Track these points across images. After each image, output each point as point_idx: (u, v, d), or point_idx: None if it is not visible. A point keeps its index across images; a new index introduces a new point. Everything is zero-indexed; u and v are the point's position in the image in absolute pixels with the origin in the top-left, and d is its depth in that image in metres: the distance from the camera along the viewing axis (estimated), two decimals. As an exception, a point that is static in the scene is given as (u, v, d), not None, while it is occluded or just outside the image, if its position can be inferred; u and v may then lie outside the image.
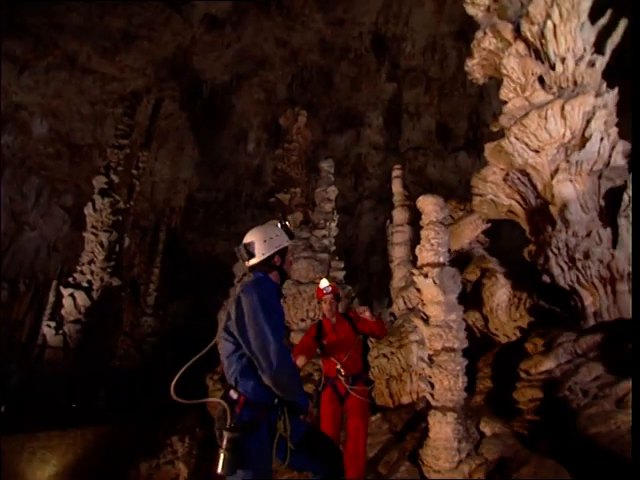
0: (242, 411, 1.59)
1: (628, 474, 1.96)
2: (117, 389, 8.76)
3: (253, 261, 1.82)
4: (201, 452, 5.19)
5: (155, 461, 5.51)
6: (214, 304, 13.43)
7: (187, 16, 14.59)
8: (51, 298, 10.24)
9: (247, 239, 1.88)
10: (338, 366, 2.75)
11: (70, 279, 9.56)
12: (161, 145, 15.63)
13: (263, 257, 1.80)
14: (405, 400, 4.15)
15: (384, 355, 4.46)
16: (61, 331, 9.07)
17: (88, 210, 10.09)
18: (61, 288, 9.55)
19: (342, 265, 8.30)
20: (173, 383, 1.68)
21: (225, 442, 1.52)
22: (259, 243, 1.83)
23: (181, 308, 13.10)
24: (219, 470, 1.52)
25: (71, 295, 9.19)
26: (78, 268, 9.67)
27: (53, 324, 9.16)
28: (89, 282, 9.35)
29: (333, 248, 8.43)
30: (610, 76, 4.42)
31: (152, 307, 11.80)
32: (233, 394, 1.64)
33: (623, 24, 3.99)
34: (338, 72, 16.07)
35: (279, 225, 1.97)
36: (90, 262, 9.51)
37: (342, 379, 2.72)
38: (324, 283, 2.97)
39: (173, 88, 15.76)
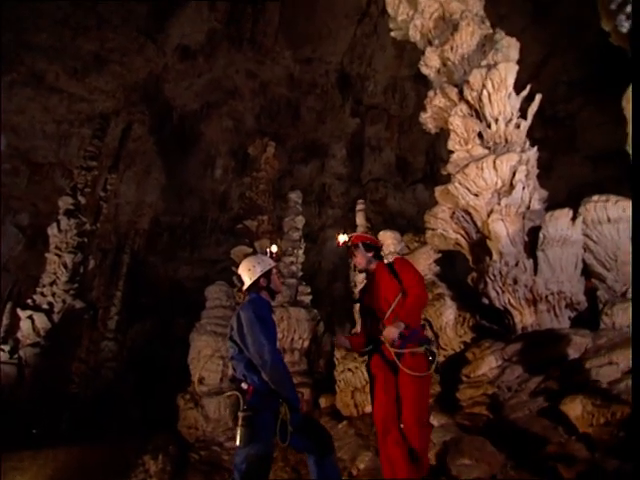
0: (252, 397, 2.10)
1: (534, 447, 2.62)
2: (79, 413, 8.51)
3: (245, 286, 2.36)
4: (175, 469, 5.33)
5: (127, 481, 5.54)
6: (176, 328, 13.34)
7: (161, 45, 15.05)
8: (5, 321, 9.83)
9: (239, 270, 2.45)
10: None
11: (29, 301, 9.30)
12: (128, 167, 15.61)
13: (250, 282, 2.33)
14: (368, 409, 4.66)
15: (349, 369, 4.99)
16: (16, 355, 8.75)
17: (52, 231, 9.96)
18: (18, 310, 9.25)
19: (309, 290, 8.84)
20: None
21: (240, 420, 2.01)
22: (245, 272, 2.36)
23: (141, 332, 12.90)
24: (237, 443, 2.01)
25: (29, 317, 8.94)
26: (38, 289, 9.43)
27: (7, 347, 8.82)
28: (50, 304, 9.16)
29: (300, 274, 8.97)
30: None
31: (113, 331, 11.55)
32: (244, 385, 2.16)
33: (538, 97, 5.04)
34: (305, 105, 16.93)
35: (266, 252, 2.58)
36: (52, 283, 9.34)
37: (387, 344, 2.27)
38: (340, 237, 2.71)
39: (143, 112, 15.92)
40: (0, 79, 11.49)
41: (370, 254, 2.63)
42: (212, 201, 17.28)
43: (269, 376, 2.06)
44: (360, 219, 7.96)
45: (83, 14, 13.31)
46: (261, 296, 2.35)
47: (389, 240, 4.20)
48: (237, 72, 16.15)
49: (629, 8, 1.89)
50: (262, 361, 2.06)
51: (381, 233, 4.27)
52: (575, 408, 2.61)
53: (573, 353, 3.30)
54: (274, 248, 2.93)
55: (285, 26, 15.20)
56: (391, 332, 2.20)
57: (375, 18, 14.29)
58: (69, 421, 8.20)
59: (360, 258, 2.64)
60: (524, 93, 5.19)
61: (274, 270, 2.41)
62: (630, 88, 2.22)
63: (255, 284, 2.35)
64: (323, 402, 5.78)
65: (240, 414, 2.03)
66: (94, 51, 14.26)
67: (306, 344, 7.25)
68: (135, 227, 15.13)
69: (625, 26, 1.95)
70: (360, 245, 2.63)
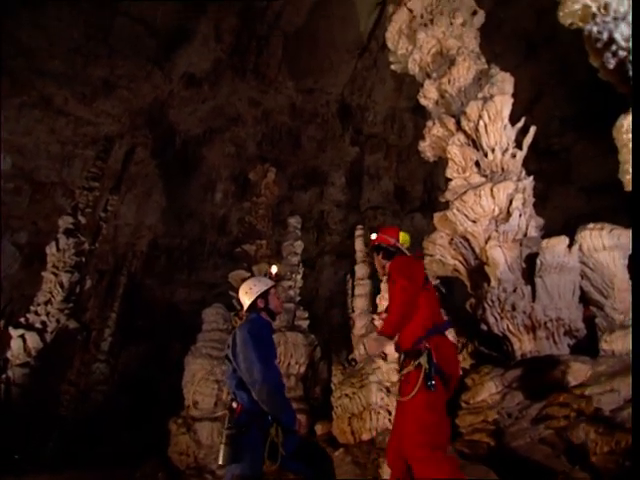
0: (239, 416, 2.08)
1: (538, 476, 2.57)
2: (65, 438, 8.21)
3: (245, 308, 2.40)
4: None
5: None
6: (171, 352, 13.09)
7: (168, 72, 15.54)
8: (-5, 340, 9.64)
9: (238, 293, 2.50)
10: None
11: (22, 319, 9.17)
12: (129, 190, 15.78)
13: (248, 303, 2.36)
14: (365, 437, 4.55)
15: (346, 395, 4.90)
16: (4, 375, 8.53)
17: (51, 249, 9.95)
18: (10, 329, 9.10)
19: (306, 315, 8.79)
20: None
21: (224, 438, 1.99)
22: (243, 294, 2.41)
23: (134, 355, 12.65)
24: (219, 461, 1.98)
25: (21, 336, 8.79)
26: (32, 308, 9.32)
27: (-5, 367, 8.62)
28: (43, 323, 9.02)
29: (298, 299, 8.95)
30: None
31: (105, 353, 11.33)
32: (233, 404, 2.14)
33: (533, 129, 5.23)
34: (306, 134, 17.33)
35: (266, 274, 2.65)
36: (47, 302, 9.25)
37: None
38: (373, 236, 2.55)
39: (146, 136, 16.25)
40: (0, 100, 11.72)
41: (381, 256, 2.40)
42: (211, 225, 17.38)
43: (258, 395, 2.03)
44: (358, 244, 8.01)
45: (95, 44, 13.82)
46: (261, 316, 2.36)
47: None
48: (240, 100, 16.61)
49: (614, 47, 2.02)
50: (251, 380, 2.05)
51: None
52: (578, 436, 2.57)
53: (573, 380, 3.28)
54: (274, 269, 2.98)
55: (288, 58, 15.77)
56: (370, 347, 2.39)
57: (375, 53, 14.88)
58: (56, 445, 7.91)
59: (377, 265, 2.44)
60: (519, 125, 5.38)
61: (272, 291, 2.42)
62: (619, 119, 2.33)
63: (253, 305, 2.38)
64: (319, 429, 5.63)
65: (224, 432, 2.00)
66: (103, 77, 14.69)
67: (303, 369, 7.13)
68: (133, 249, 15.13)
69: (612, 62, 2.07)
70: (374, 251, 2.44)
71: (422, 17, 6.38)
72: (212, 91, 16.15)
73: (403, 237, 2.48)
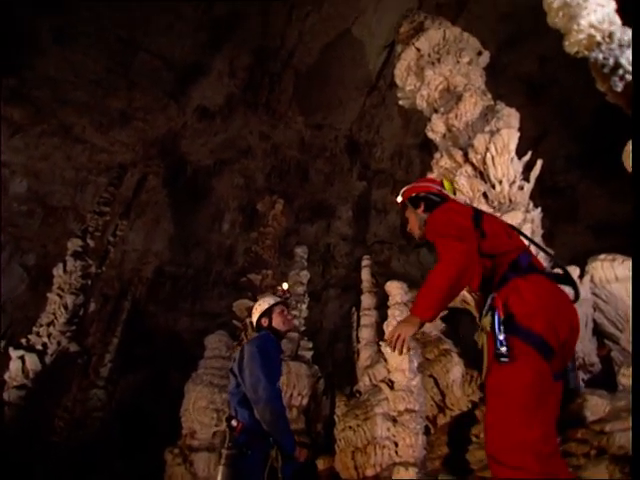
0: (239, 435, 1.99)
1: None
2: (56, 465, 7.87)
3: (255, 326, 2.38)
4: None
5: None
6: (170, 381, 12.78)
7: (183, 105, 16.18)
8: (-5, 361, 9.50)
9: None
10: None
11: (23, 340, 9.07)
12: (138, 216, 16.05)
13: (255, 322, 2.35)
14: (370, 472, 4.31)
15: (350, 427, 4.70)
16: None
17: (58, 271, 10.00)
18: (10, 350, 8.99)
19: (310, 345, 8.64)
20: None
21: (223, 459, 1.89)
22: (253, 314, 2.40)
23: (133, 383, 12.36)
24: None
25: (20, 358, 8.66)
26: (34, 329, 9.24)
27: (-8, 389, 8.43)
28: (44, 345, 8.91)
29: (303, 328, 8.83)
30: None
31: (104, 379, 11.08)
32: (234, 422, 2.05)
33: (539, 162, 5.31)
34: (314, 167, 17.72)
35: (275, 292, 2.65)
36: (49, 324, 9.17)
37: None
38: (398, 198, 2.05)
39: (158, 165, 16.71)
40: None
41: (422, 209, 1.80)
42: (218, 254, 17.47)
43: (261, 413, 1.94)
44: (365, 274, 7.98)
45: (116, 77, 14.54)
46: (269, 334, 2.33)
47: (396, 290, 4.20)
48: (251, 133, 17.16)
49: (621, 71, 2.10)
50: (256, 396, 1.97)
51: (388, 283, 4.29)
52: (601, 475, 2.42)
53: (591, 415, 3.13)
54: (285, 286, 2.95)
55: (299, 95, 16.41)
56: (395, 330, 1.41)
57: (383, 91, 15.46)
58: (44, 474, 7.56)
59: (412, 223, 1.86)
60: (526, 158, 5.49)
61: (276, 308, 2.37)
62: (627, 145, 2.38)
63: (258, 325, 2.35)
64: (321, 464, 5.35)
65: (224, 452, 1.91)
66: (121, 108, 15.32)
67: (305, 401, 6.89)
68: (139, 274, 15.17)
69: (619, 86, 2.14)
70: (408, 204, 1.89)
71: (429, 56, 6.68)
72: (224, 124, 16.72)
73: (447, 185, 1.92)
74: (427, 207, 1.80)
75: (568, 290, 1.50)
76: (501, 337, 1.30)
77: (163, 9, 12.81)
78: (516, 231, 1.69)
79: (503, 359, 1.28)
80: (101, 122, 15.23)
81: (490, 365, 1.36)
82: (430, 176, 6.50)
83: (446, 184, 1.92)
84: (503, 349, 1.28)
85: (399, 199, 1.97)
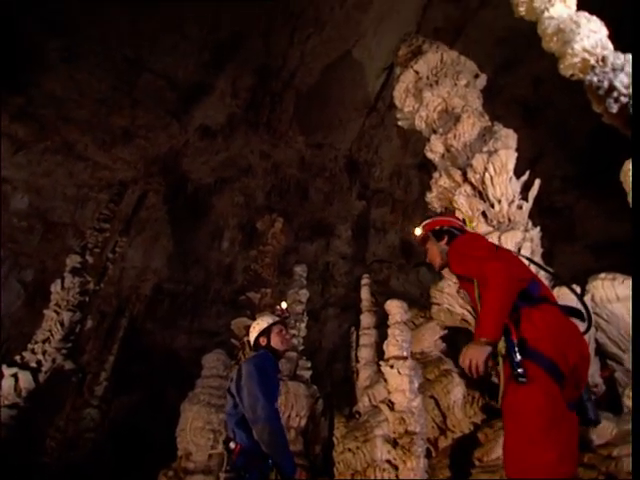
0: (237, 458, 1.95)
1: None
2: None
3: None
4: None
5: None
6: (166, 400, 12.53)
7: (185, 124, 16.41)
8: (-12, 379, 9.30)
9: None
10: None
11: (17, 357, 8.92)
12: (138, 233, 16.07)
13: (253, 341, 2.35)
14: (369, 498, 4.18)
15: (349, 450, 4.59)
16: (-11, 418, 8.12)
17: (55, 287, 9.93)
18: (3, 367, 8.83)
19: (309, 365, 8.52)
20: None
21: None
22: (250, 333, 2.39)
23: (127, 403, 12.10)
24: None
25: (14, 375, 8.50)
26: (29, 346, 9.10)
27: (-18, 408, 8.23)
28: (38, 362, 8.76)
29: (301, 348, 8.73)
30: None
31: (99, 398, 10.85)
32: (231, 444, 2.01)
33: (537, 182, 5.37)
34: (314, 186, 17.84)
35: (275, 310, 2.64)
36: (45, 341, 9.05)
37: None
38: (417, 231, 2.12)
39: (159, 183, 16.82)
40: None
41: (444, 241, 1.90)
42: (217, 272, 17.42)
43: (259, 433, 1.88)
44: (365, 293, 7.93)
45: (120, 96, 14.81)
46: (268, 353, 2.31)
47: (395, 309, 4.18)
48: (252, 152, 17.36)
49: (615, 93, 2.16)
50: (254, 416, 1.92)
51: (388, 302, 4.27)
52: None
53: (597, 439, 3.06)
54: (284, 305, 2.92)
55: (299, 115, 16.68)
56: (472, 357, 1.41)
57: (382, 112, 15.74)
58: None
59: (433, 253, 1.95)
60: (524, 178, 5.55)
61: (275, 328, 2.35)
62: (625, 164, 2.42)
63: (256, 344, 2.34)
64: (319, 489, 5.21)
65: (222, 475, 1.88)
66: (124, 126, 15.53)
67: (303, 422, 6.74)
68: (137, 292, 15.08)
69: (614, 107, 2.20)
70: (430, 236, 1.96)
71: (428, 78, 6.84)
72: (225, 143, 16.93)
73: (469, 222, 2.14)
74: (450, 240, 1.91)
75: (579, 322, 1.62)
76: (517, 359, 1.39)
77: (169, 29, 13.13)
78: (525, 258, 1.87)
79: (521, 379, 1.35)
80: (104, 140, 15.42)
81: (506, 387, 1.42)
82: (430, 194, 6.58)
83: (467, 221, 2.14)
84: (520, 370, 1.37)
85: (418, 232, 2.06)
